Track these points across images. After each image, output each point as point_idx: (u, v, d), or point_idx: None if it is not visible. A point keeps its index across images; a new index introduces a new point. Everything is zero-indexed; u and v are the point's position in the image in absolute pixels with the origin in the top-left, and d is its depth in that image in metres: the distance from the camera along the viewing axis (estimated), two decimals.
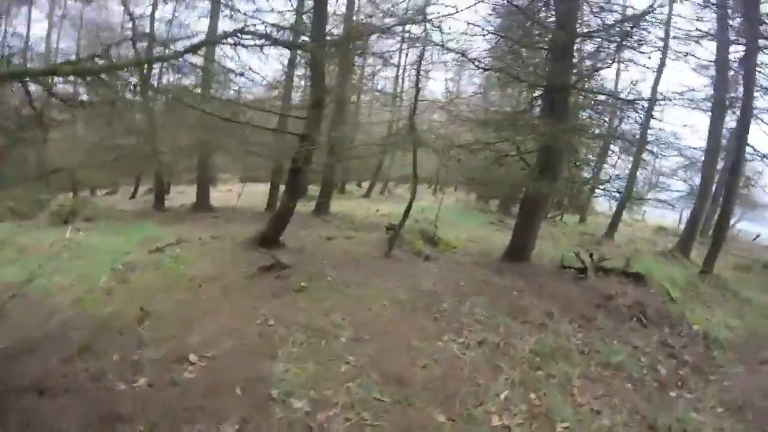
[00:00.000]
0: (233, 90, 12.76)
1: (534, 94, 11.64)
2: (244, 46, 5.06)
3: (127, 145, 16.03)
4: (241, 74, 9.23)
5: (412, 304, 7.05)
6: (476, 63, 10.86)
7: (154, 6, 16.05)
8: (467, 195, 27.31)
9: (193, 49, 5.17)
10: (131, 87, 7.03)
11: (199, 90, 11.89)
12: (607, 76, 17.11)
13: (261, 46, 5.09)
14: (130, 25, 15.23)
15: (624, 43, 9.68)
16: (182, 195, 20.68)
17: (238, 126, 10.04)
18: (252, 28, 5.88)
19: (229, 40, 4.86)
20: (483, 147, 11.01)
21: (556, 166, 10.02)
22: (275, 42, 5.88)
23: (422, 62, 11.05)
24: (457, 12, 7.55)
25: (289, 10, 10.85)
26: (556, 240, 13.36)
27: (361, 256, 9.75)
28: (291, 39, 8.31)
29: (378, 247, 10.56)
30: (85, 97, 7.14)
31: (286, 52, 14.40)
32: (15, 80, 4.25)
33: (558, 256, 10.99)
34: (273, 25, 7.67)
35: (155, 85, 16.28)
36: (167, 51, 6.05)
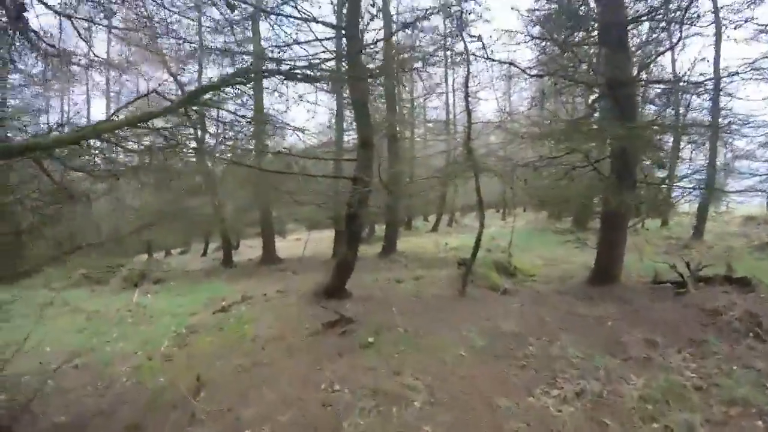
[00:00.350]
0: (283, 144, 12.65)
1: (592, 96, 10.56)
2: (289, 78, 4.60)
3: (190, 206, 16.58)
4: (301, 130, 8.82)
5: (492, 350, 6.13)
6: (527, 72, 10.00)
7: (200, 72, 16.62)
8: (537, 215, 25.70)
9: (240, 80, 4.82)
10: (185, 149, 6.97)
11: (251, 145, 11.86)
12: (662, 63, 15.29)
13: (305, 79, 4.61)
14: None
15: (684, 19, 8.46)
16: (251, 249, 20.90)
17: (291, 177, 9.77)
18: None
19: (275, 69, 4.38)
20: (548, 162, 9.96)
21: (632, 170, 8.80)
22: (311, 80, 5.43)
23: (470, 82, 10.29)
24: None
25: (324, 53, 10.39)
26: (641, 250, 11.74)
27: (432, 298, 9.00)
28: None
29: (450, 285, 9.77)
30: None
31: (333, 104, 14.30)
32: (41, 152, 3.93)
33: (647, 269, 9.63)
34: (314, 64, 7.34)
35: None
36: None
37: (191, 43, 11.22)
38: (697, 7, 8.58)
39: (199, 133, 16.58)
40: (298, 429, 4.58)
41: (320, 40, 9.78)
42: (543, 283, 10.13)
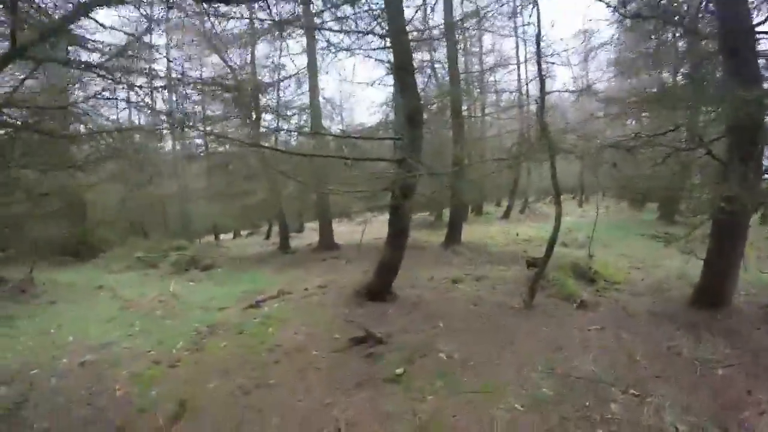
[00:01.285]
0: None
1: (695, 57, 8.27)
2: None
3: (251, 190, 16.31)
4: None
5: (560, 406, 4.62)
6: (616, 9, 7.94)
7: (252, 52, 16.11)
8: (618, 203, 22.75)
9: None
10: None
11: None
12: None
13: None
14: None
15: None
16: (311, 234, 20.49)
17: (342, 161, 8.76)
18: None
19: None
20: (646, 142, 7.84)
21: (759, 154, 6.54)
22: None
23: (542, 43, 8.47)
24: None
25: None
26: (746, 259, 9.27)
27: (492, 308, 7.64)
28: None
29: (516, 290, 8.39)
30: None
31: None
32: None
33: (757, 283, 7.81)
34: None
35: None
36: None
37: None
38: None
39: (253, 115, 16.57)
40: None
41: None
42: (630, 295, 8.31)
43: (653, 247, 12.82)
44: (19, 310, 9.42)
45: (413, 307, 7.93)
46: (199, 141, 21.83)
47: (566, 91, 15.78)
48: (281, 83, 17.69)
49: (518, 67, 23.75)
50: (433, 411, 4.56)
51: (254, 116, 16.42)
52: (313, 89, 15.96)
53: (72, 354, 7.11)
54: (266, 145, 13.57)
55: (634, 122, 10.89)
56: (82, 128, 9.33)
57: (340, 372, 5.61)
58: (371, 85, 10.42)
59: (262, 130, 16.78)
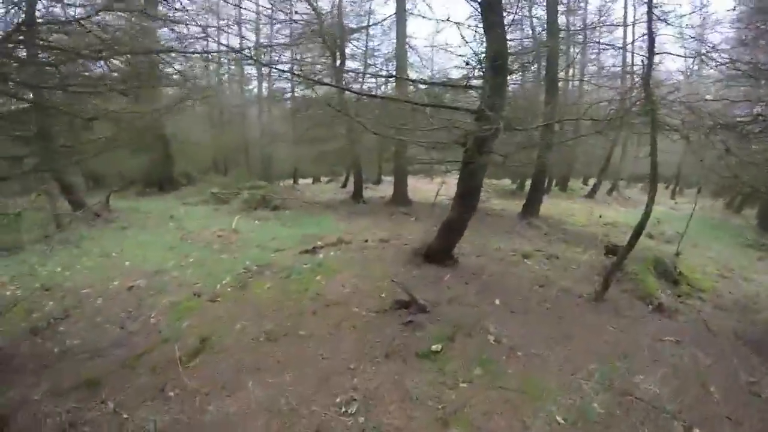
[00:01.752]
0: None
1: None
2: None
3: (330, 137, 15.95)
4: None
5: (609, 430, 3.64)
6: None
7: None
8: (714, 200, 19.63)
9: None
10: None
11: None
12: None
13: None
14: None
15: None
16: (389, 187, 19.96)
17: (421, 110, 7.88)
18: None
19: None
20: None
21: None
22: None
23: None
24: None
25: None
26: None
27: (558, 294, 6.60)
28: None
29: (588, 277, 7.28)
30: None
31: None
32: None
33: None
34: None
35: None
36: None
37: None
38: None
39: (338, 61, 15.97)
40: None
41: None
42: (715, 308, 6.82)
43: (747, 257, 10.97)
44: (90, 233, 9.86)
45: (472, 276, 7.09)
46: (283, 84, 21.78)
47: (680, 56, 13.36)
48: (369, 29, 16.89)
49: (624, 31, 20.81)
50: (461, 402, 3.84)
51: (339, 62, 15.87)
52: (401, 38, 15.03)
53: (124, 278, 7.24)
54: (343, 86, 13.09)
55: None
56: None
57: (374, 336, 5.02)
58: (459, 26, 9.27)
59: (345, 75, 16.26)
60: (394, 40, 15.90)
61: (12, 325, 5.79)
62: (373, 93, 15.55)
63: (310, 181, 25.05)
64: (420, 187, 18.54)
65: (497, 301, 5.95)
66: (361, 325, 5.27)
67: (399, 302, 5.65)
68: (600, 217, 14.05)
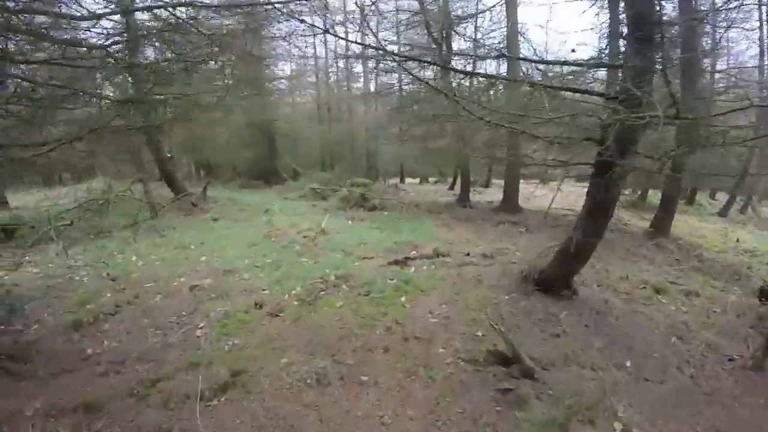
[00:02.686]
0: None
1: None
2: None
3: (438, 133, 14.59)
4: None
5: None
6: None
7: None
8: None
9: None
10: None
11: None
12: None
13: None
14: None
15: None
16: (498, 191, 18.20)
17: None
18: None
19: None
20: None
21: None
22: None
23: None
24: None
25: None
26: None
27: (702, 353, 4.60)
28: None
29: (738, 330, 5.20)
30: None
31: None
32: None
33: None
34: None
35: None
36: None
37: None
38: None
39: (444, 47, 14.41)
40: None
41: None
42: None
43: None
44: (180, 222, 9.45)
45: (595, 319, 5.20)
46: (387, 79, 20.80)
47: None
48: (477, 17, 15.17)
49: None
50: None
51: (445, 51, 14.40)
52: (512, 26, 13.14)
53: (192, 275, 6.48)
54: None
55: None
56: None
57: (457, 402, 3.49)
58: None
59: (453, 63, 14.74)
60: (505, 28, 14.02)
61: (59, 317, 5.22)
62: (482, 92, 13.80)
63: (417, 181, 23.88)
64: (533, 193, 16.50)
65: (627, 363, 4.11)
66: (443, 379, 3.76)
67: (497, 355, 4.02)
68: (737, 241, 10.94)
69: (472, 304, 5.33)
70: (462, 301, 5.45)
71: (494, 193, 17.81)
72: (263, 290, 5.87)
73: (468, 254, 7.71)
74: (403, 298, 5.54)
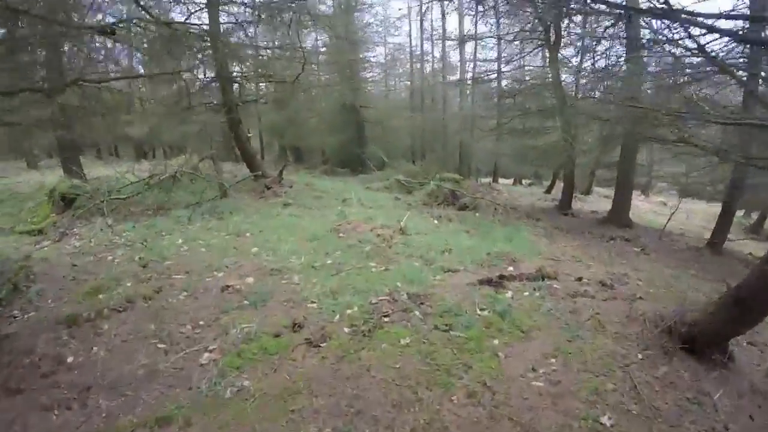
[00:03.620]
0: None
1: None
2: None
3: (541, 130, 12.59)
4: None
5: None
6: None
7: None
8: None
9: None
10: None
11: None
12: None
13: None
14: None
15: None
16: (600, 200, 16.01)
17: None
18: None
19: None
20: None
21: None
22: None
23: None
24: None
25: None
26: None
27: None
28: None
29: None
30: None
31: None
32: None
33: None
34: None
35: None
36: None
37: None
38: None
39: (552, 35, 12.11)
40: None
41: None
42: None
43: None
44: (248, 205, 8.29)
45: (761, 406, 3.05)
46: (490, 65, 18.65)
47: None
48: None
49: None
50: None
51: (554, 39, 12.23)
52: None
53: (231, 270, 5.11)
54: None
55: None
56: None
57: None
58: None
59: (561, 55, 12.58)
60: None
61: (60, 306, 4.12)
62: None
63: (510, 181, 21.53)
64: (638, 205, 14.02)
65: None
66: None
67: None
68: None
69: (593, 363, 3.36)
70: (578, 354, 3.49)
71: (596, 202, 15.68)
72: (311, 302, 4.28)
73: (580, 279, 5.59)
74: (495, 341, 3.68)
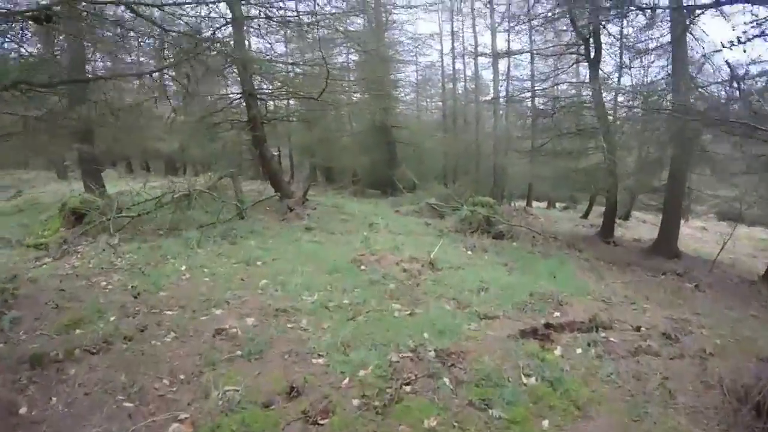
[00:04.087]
0: None
1: None
2: None
3: (581, 151, 11.68)
4: None
5: None
6: None
7: None
8: None
9: None
10: None
11: None
12: None
13: None
14: None
15: None
16: (640, 226, 15.04)
17: None
18: None
19: None
20: None
21: None
22: None
23: None
24: None
25: None
26: None
27: None
28: None
29: None
30: None
31: None
32: None
33: None
34: None
35: None
36: None
37: None
38: None
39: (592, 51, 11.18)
40: None
41: None
42: None
43: None
44: (267, 228, 7.65)
45: None
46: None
47: None
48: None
49: None
50: None
51: (594, 52, 11.39)
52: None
53: (231, 307, 4.36)
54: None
55: None
56: None
57: None
58: None
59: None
60: (668, 21, 10.44)
61: (30, 340, 3.52)
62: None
63: (543, 204, 20.41)
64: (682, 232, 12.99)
65: None
66: None
67: None
68: None
69: None
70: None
71: (636, 228, 14.84)
72: (317, 356, 3.46)
73: (639, 329, 4.55)
74: (545, 423, 2.79)
